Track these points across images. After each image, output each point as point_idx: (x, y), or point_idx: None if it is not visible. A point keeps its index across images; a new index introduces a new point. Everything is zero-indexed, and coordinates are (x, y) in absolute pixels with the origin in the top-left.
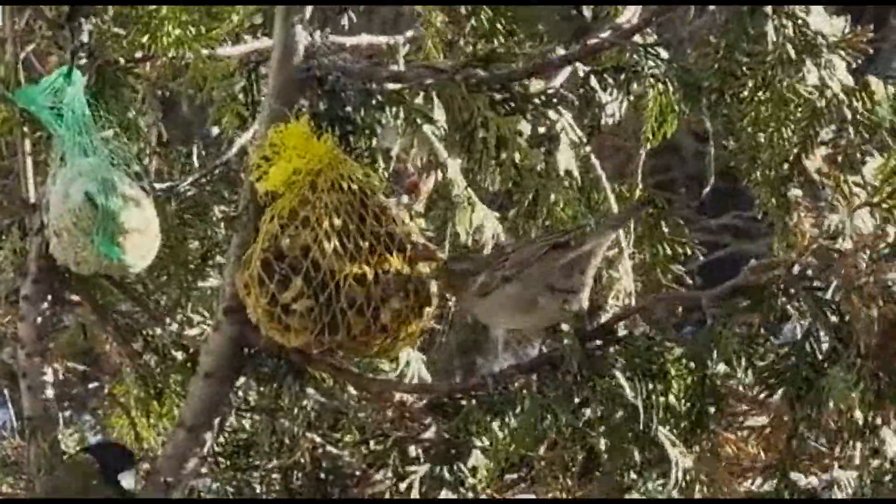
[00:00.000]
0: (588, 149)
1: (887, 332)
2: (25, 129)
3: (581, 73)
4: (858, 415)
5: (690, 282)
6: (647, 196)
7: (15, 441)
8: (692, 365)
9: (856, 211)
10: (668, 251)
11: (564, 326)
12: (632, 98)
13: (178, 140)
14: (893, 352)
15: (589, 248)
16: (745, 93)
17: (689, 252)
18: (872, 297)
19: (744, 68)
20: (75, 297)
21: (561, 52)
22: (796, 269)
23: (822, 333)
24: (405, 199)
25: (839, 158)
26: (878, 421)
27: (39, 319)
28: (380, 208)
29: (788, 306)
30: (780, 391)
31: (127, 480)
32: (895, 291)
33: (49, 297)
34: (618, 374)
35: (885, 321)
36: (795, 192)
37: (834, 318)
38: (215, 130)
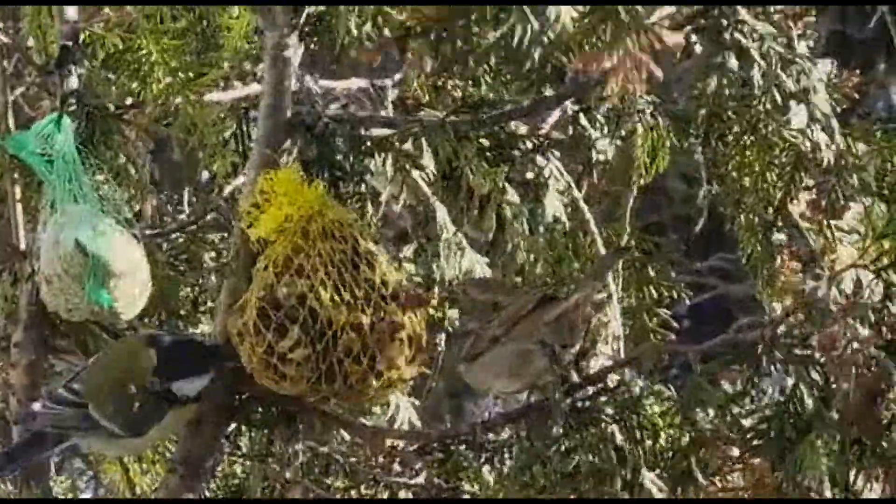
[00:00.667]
0: (577, 193)
1: (865, 400)
2: (16, 175)
3: (570, 112)
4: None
5: (677, 325)
6: (627, 243)
7: (6, 488)
8: (678, 418)
9: (838, 275)
10: (655, 295)
11: (550, 378)
12: (623, 134)
13: (167, 184)
14: (873, 419)
15: (575, 300)
16: (731, 136)
17: (676, 296)
18: (851, 363)
19: (730, 112)
20: (66, 344)
21: (549, 92)
22: (782, 328)
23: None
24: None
25: (823, 203)
26: (861, 484)
27: (31, 366)
28: (370, 255)
29: (773, 365)
30: (763, 452)
31: (187, 385)
32: (874, 357)
33: (40, 345)
34: (605, 424)
35: (863, 389)
36: (779, 238)
37: (818, 378)
38: (205, 175)
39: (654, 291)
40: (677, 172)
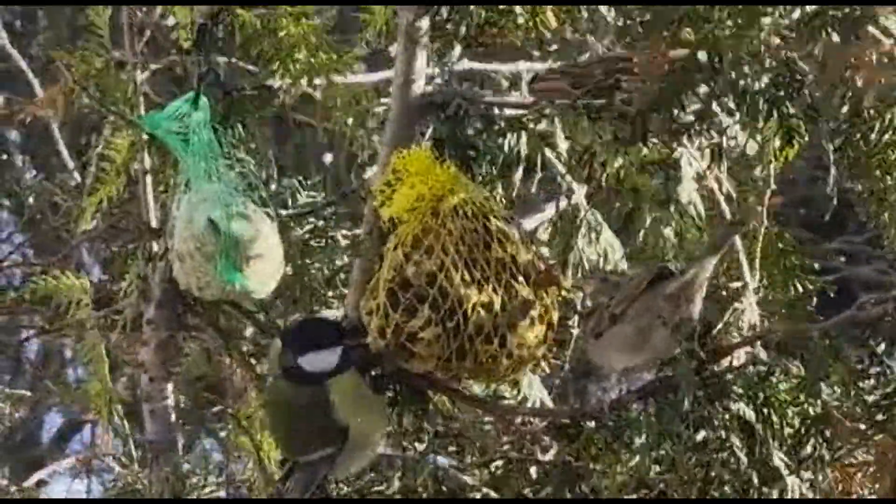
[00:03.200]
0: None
1: None
2: (148, 154)
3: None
4: None
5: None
6: (741, 218)
7: (136, 469)
8: (805, 394)
9: None
10: (799, 287)
11: (679, 353)
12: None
13: (291, 167)
14: None
15: (692, 276)
16: (873, 135)
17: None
18: None
19: (871, 110)
20: (198, 322)
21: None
22: None
23: None
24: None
25: None
26: None
27: (163, 344)
28: (503, 234)
29: None
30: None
31: (318, 359)
32: None
33: (173, 323)
34: (734, 400)
35: None
36: None
37: None
38: (328, 158)
39: (798, 285)
40: (800, 154)
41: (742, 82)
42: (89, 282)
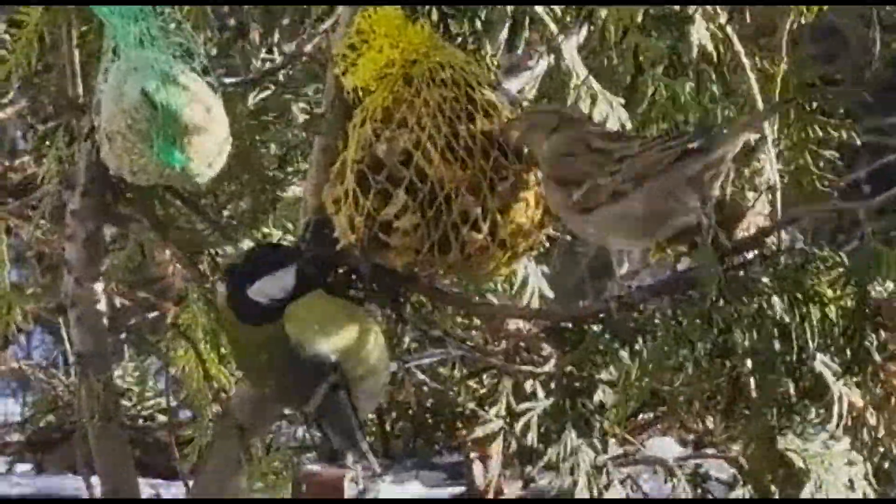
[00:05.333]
0: (728, 29)
1: None
2: (72, 17)
3: None
4: None
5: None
6: (793, 95)
7: (66, 379)
8: (850, 287)
9: None
10: (820, 133)
11: (699, 241)
12: None
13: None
14: None
15: (722, 154)
16: None
17: (846, 137)
18: None
19: None
20: (131, 212)
21: None
22: None
23: None
24: (514, 91)
25: None
26: None
27: (90, 239)
28: (488, 103)
29: None
30: None
31: (269, 285)
32: None
33: (101, 213)
34: (765, 296)
35: None
36: None
37: None
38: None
39: (818, 130)
40: (854, 12)
41: None
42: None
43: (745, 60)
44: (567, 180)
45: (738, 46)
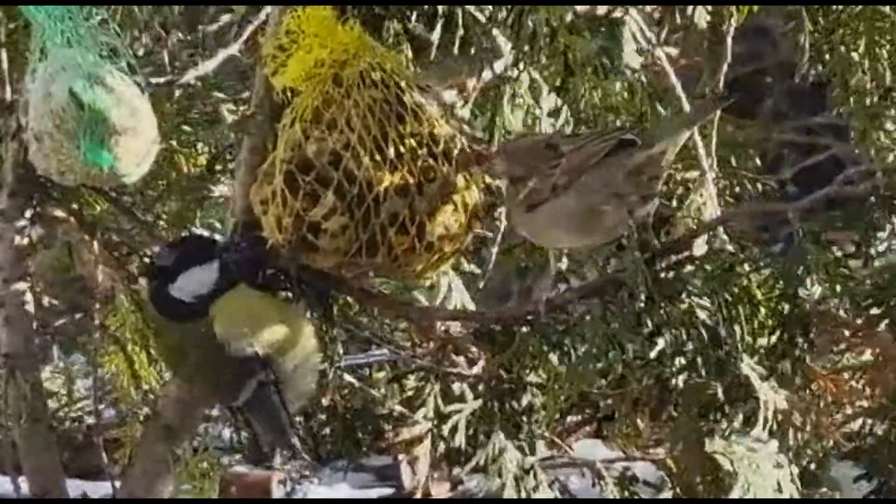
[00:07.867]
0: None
1: None
2: None
3: None
4: None
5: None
6: (724, 92)
7: None
8: (780, 288)
9: None
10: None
11: (628, 242)
12: None
13: (182, 26)
14: None
15: (660, 150)
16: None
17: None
18: None
19: None
20: (59, 213)
21: None
22: None
23: None
24: (447, 96)
25: None
26: None
27: (18, 239)
28: (418, 105)
29: (889, 220)
30: (884, 321)
31: (188, 281)
32: None
33: (28, 213)
34: (694, 297)
35: None
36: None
37: None
38: (226, 17)
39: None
40: (782, 10)
41: None
42: None
43: (666, 66)
44: (518, 177)
45: (660, 52)
